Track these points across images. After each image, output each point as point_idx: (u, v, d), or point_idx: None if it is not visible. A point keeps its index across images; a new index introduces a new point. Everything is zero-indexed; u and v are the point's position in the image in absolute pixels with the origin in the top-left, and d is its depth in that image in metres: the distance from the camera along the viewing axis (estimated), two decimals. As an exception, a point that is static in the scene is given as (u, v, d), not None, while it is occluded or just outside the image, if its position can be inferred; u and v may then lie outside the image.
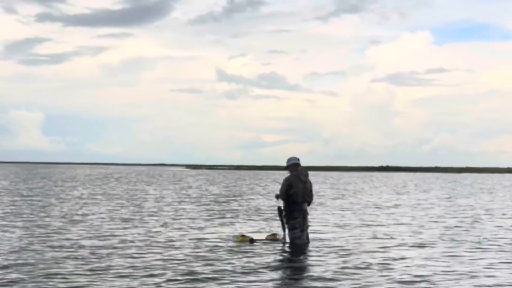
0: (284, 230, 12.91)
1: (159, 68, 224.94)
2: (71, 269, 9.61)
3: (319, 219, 18.36)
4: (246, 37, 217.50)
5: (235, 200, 27.38)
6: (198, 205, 23.68)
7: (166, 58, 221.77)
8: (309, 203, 12.71)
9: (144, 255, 11.12)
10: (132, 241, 12.85)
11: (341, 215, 20.17)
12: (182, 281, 8.92)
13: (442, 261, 10.95)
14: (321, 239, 13.49)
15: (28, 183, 43.11)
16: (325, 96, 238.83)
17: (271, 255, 11.46)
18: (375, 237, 14.16)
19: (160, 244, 12.49)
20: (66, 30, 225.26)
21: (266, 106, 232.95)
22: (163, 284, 8.72)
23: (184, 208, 21.98)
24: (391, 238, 14.11)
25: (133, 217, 18.26)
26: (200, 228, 15.57)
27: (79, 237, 13.34)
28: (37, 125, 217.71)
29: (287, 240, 12.65)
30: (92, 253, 11.15)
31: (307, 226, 12.77)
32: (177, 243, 12.70)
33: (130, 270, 9.61)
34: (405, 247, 12.72)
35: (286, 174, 12.75)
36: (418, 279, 9.36)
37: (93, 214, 19.00)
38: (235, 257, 11.06)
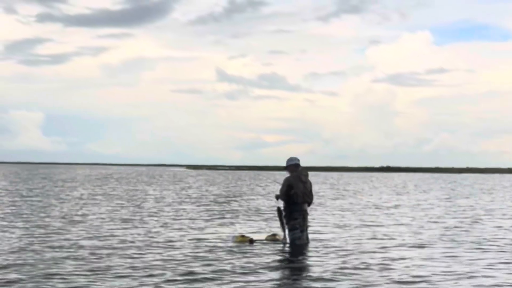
0: (283, 231, 12.92)
1: (159, 68, 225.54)
2: (71, 269, 9.62)
3: (319, 219, 18.36)
4: (246, 38, 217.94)
5: (235, 201, 27.38)
6: (198, 206, 23.68)
7: (166, 59, 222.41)
8: (309, 203, 12.70)
9: (144, 255, 11.12)
10: (132, 242, 12.85)
11: (341, 215, 20.17)
12: (182, 281, 8.93)
13: (442, 262, 10.95)
14: (320, 240, 13.49)
15: (28, 184, 43.12)
16: (325, 96, 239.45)
17: (271, 255, 11.46)
18: (374, 238, 14.17)
19: (160, 245, 12.49)
20: (67, 30, 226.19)
21: (267, 106, 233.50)
22: (162, 285, 8.72)
23: (184, 209, 21.98)
24: (391, 238, 14.11)
25: (133, 217, 18.27)
26: (200, 229, 15.57)
27: (79, 238, 13.35)
28: (37, 125, 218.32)
29: (287, 240, 12.65)
30: (92, 254, 11.16)
31: (307, 227, 12.77)
32: (177, 244, 12.70)
33: (130, 271, 9.61)
34: (405, 247, 12.73)
35: (286, 174, 12.74)
36: (418, 279, 9.36)
37: (93, 214, 19.01)
38: (235, 257, 11.06)
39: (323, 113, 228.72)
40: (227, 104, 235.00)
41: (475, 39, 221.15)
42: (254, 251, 11.86)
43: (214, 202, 26.26)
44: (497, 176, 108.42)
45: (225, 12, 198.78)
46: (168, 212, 20.50)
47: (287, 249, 12.27)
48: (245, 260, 10.79)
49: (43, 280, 8.87)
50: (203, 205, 24.22)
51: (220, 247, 12.32)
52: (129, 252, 11.44)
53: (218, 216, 19.13)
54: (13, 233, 14.03)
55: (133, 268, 9.83)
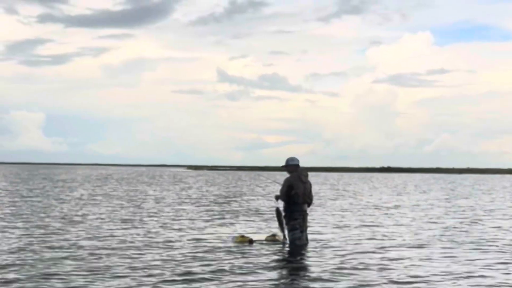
0: (282, 231, 12.93)
1: (160, 69, 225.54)
2: (70, 270, 9.63)
3: (319, 219, 18.37)
4: (247, 38, 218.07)
5: (235, 201, 27.39)
6: (198, 206, 23.69)
7: (167, 59, 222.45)
8: (309, 204, 12.69)
9: (143, 255, 11.13)
10: (131, 242, 12.86)
11: (341, 216, 20.18)
12: (180, 282, 8.94)
13: (441, 262, 10.96)
14: (320, 240, 13.50)
15: (28, 184, 43.15)
16: (326, 97, 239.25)
17: (270, 255, 11.47)
18: (374, 238, 14.17)
19: (159, 245, 12.50)
20: (68, 31, 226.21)
21: (268, 107, 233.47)
22: (161, 285, 8.72)
23: (184, 209, 21.99)
24: (390, 238, 14.12)
25: (132, 218, 18.28)
26: (200, 229, 15.58)
27: (78, 238, 13.36)
28: (38, 125, 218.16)
29: (287, 240, 12.65)
30: (91, 254, 11.17)
31: (306, 227, 12.78)
32: (176, 244, 12.71)
33: (129, 271, 9.62)
34: (404, 247, 12.73)
35: (286, 175, 12.72)
36: (417, 279, 9.37)
37: (93, 214, 19.02)
38: (234, 257, 11.07)
39: (324, 114, 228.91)
40: (228, 105, 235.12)
41: (475, 39, 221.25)
42: (254, 251, 11.87)
43: (214, 202, 26.27)
44: (497, 176, 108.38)
45: (226, 13, 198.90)
46: (168, 212, 20.51)
47: (286, 249, 12.27)
48: (244, 260, 10.80)
49: (42, 280, 8.88)
50: (203, 205, 24.24)
51: (220, 247, 12.33)
52: (128, 252, 11.45)
53: (218, 217, 19.14)
54: (12, 233, 14.05)
55: (132, 268, 9.84)
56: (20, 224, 15.91)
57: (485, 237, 14.70)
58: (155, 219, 18.01)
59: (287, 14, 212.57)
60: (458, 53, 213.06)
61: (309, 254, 11.67)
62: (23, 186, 39.95)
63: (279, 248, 12.34)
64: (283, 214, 12.63)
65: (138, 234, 14.18)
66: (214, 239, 13.59)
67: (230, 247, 12.35)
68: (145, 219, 17.95)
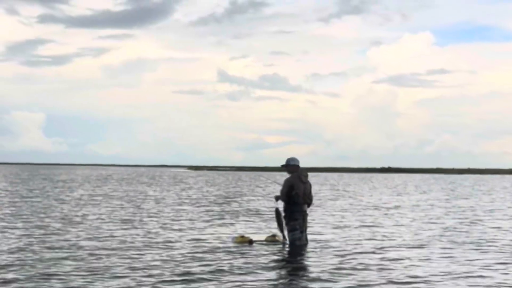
0: (281, 232, 12.93)
1: (161, 69, 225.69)
2: (69, 270, 9.63)
3: (318, 220, 18.38)
4: (247, 38, 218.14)
5: (235, 201, 27.40)
6: (198, 206, 23.70)
7: (167, 60, 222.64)
8: (309, 204, 12.69)
9: (143, 256, 11.14)
10: (131, 242, 12.87)
11: (341, 216, 20.18)
12: (179, 282, 8.94)
13: (440, 262, 10.96)
14: (319, 240, 13.50)
15: (28, 184, 43.16)
16: (327, 97, 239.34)
17: (269, 256, 11.48)
18: (373, 238, 14.18)
19: (159, 245, 12.51)
20: (68, 31, 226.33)
21: (268, 107, 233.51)
22: (160, 285, 8.73)
23: (184, 209, 22.00)
24: (390, 239, 14.12)
25: (132, 218, 18.29)
26: (200, 229, 15.59)
27: (78, 238, 13.37)
28: (38, 126, 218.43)
29: (287, 240, 12.64)
30: (91, 254, 11.17)
31: (306, 228, 12.77)
32: (176, 244, 12.72)
33: (128, 271, 9.63)
34: (404, 248, 12.74)
35: (286, 175, 12.71)
36: (416, 279, 9.37)
37: (93, 215, 19.03)
38: (234, 257, 11.08)
39: (325, 114, 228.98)
40: (228, 105, 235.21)
41: (476, 40, 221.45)
42: (253, 251, 11.88)
43: (214, 203, 26.28)
44: (498, 177, 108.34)
45: (226, 13, 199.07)
46: (168, 213, 20.52)
47: (286, 249, 12.28)
48: (243, 260, 10.81)
49: (41, 280, 8.89)
50: (203, 205, 24.24)
51: (219, 247, 12.34)
52: (128, 252, 11.46)
53: (218, 217, 19.15)
54: (12, 233, 14.05)
55: (132, 268, 9.84)
56: (20, 225, 15.91)
57: (485, 237, 14.70)
58: (155, 219, 18.02)
59: (287, 14, 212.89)
60: (459, 54, 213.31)
61: (308, 255, 11.68)
62: (23, 186, 39.96)
63: (278, 249, 12.35)
64: (283, 214, 12.62)
65: (138, 235, 14.19)
66: (214, 239, 13.59)
67: (229, 247, 12.36)
68: (145, 219, 17.96)
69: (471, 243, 13.59)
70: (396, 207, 25.25)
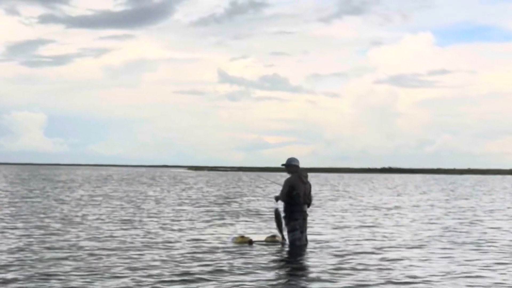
0: (280, 232, 12.92)
1: (161, 69, 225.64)
2: (69, 270, 9.64)
3: (319, 220, 18.38)
4: (248, 39, 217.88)
5: (235, 202, 27.40)
6: (198, 207, 23.70)
7: (168, 60, 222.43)
8: (308, 205, 12.69)
9: (143, 256, 11.14)
10: (131, 242, 12.87)
11: (341, 216, 20.18)
12: (179, 282, 8.95)
13: (440, 262, 10.97)
14: (319, 241, 13.51)
15: (28, 185, 43.17)
16: (327, 97, 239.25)
17: (269, 256, 11.49)
18: (373, 238, 14.18)
19: (159, 245, 12.51)
20: (69, 31, 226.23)
21: (268, 107, 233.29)
22: (159, 285, 8.74)
23: (184, 210, 22.01)
24: (390, 239, 14.13)
25: (132, 218, 18.29)
26: (200, 229, 15.59)
27: (78, 239, 13.37)
28: (39, 126, 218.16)
29: (287, 241, 12.64)
30: (91, 254, 11.18)
31: (306, 228, 12.77)
32: (176, 244, 12.72)
33: (128, 271, 9.64)
34: (403, 248, 12.74)
35: (287, 175, 12.70)
36: (415, 279, 9.38)
37: (93, 215, 19.04)
38: (233, 258, 11.08)
39: (325, 114, 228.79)
40: (228, 105, 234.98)
41: (477, 40, 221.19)
42: (253, 252, 11.88)
43: (214, 203, 26.28)
44: (498, 177, 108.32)
45: (226, 14, 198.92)
46: (168, 213, 20.53)
47: (285, 250, 12.28)
48: (243, 260, 10.81)
49: (41, 280, 8.89)
50: (203, 206, 24.25)
51: (219, 247, 12.34)
52: (128, 253, 11.46)
53: (217, 217, 19.15)
54: (12, 234, 14.06)
55: (132, 268, 9.85)
56: (19, 225, 15.92)
57: (485, 237, 14.70)
58: (155, 219, 18.02)
59: (288, 15, 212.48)
60: (459, 54, 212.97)
61: (308, 255, 11.68)
62: (23, 186, 39.97)
63: (278, 249, 12.35)
64: (283, 215, 12.62)
65: (137, 235, 14.19)
66: (213, 239, 13.60)
67: (229, 247, 12.36)
68: (145, 219, 17.96)
69: (471, 243, 13.59)
70: (396, 207, 25.25)
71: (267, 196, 32.17)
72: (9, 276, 9.15)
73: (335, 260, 10.96)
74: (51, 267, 9.83)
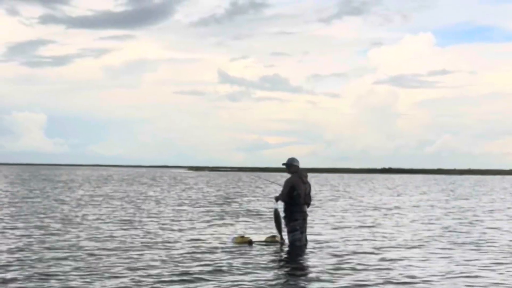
0: (280, 233, 12.92)
1: (162, 70, 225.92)
2: (69, 270, 9.65)
3: (318, 220, 18.39)
4: (248, 39, 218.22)
5: (235, 202, 27.41)
6: (198, 207, 23.71)
7: (168, 60, 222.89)
8: (308, 205, 12.70)
9: (142, 256, 11.15)
10: (131, 243, 12.88)
11: (341, 216, 20.19)
12: (178, 282, 8.96)
13: (439, 262, 10.98)
14: (319, 241, 13.51)
15: (29, 185, 43.18)
16: (327, 98, 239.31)
17: (269, 256, 11.50)
18: (373, 239, 14.19)
19: (159, 246, 12.52)
20: (69, 32, 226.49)
21: (269, 108, 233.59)
22: (158, 285, 8.74)
23: (184, 210, 22.02)
24: (389, 239, 14.13)
25: (132, 218, 18.30)
26: (200, 230, 15.60)
27: (78, 239, 13.38)
28: (40, 126, 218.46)
29: (286, 241, 12.64)
30: (90, 254, 11.19)
31: (305, 228, 12.77)
32: (176, 245, 12.73)
33: (127, 271, 9.65)
34: (403, 248, 12.75)
35: (287, 175, 12.70)
36: (415, 280, 9.39)
37: (93, 215, 19.05)
38: (233, 258, 11.09)
39: (325, 115, 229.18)
40: (229, 106, 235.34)
41: (477, 40, 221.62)
42: (253, 252, 11.90)
43: (214, 203, 26.29)
44: (499, 177, 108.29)
45: (227, 14, 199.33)
46: (168, 213, 20.54)
47: (285, 250, 12.29)
48: (242, 260, 10.82)
49: (40, 280, 8.91)
50: (203, 206, 24.26)
51: (219, 248, 12.35)
52: (127, 253, 11.47)
53: (218, 217, 19.16)
54: (12, 234, 14.07)
55: (131, 268, 9.86)
56: (19, 225, 15.93)
57: (484, 238, 14.71)
58: (155, 220, 18.03)
59: (288, 15, 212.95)
60: (460, 54, 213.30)
61: (308, 255, 11.68)
62: (24, 187, 39.98)
63: (278, 249, 12.36)
64: (283, 215, 12.61)
65: (137, 235, 14.20)
66: (213, 240, 13.61)
67: (229, 247, 12.38)
68: (145, 220, 17.97)
69: (470, 243, 13.60)
70: (396, 207, 25.26)
71: (267, 197, 32.17)
72: (9, 276, 9.16)
73: (335, 260, 10.98)
74: (50, 267, 9.85)
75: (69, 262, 10.33)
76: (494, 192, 43.44)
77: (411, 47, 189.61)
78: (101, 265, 10.14)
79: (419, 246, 13.01)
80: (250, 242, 12.91)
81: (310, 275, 9.66)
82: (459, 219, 19.85)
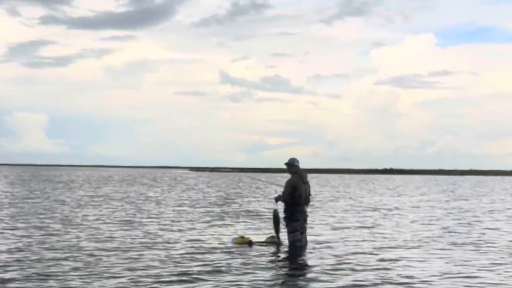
0: (277, 234, 12.89)
1: (163, 70, 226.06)
2: (68, 270, 9.66)
3: (318, 221, 18.40)
4: (249, 40, 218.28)
5: (235, 202, 27.42)
6: (198, 207, 23.72)
7: (169, 61, 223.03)
8: (307, 205, 12.71)
9: (142, 256, 11.16)
10: (130, 243, 12.90)
11: (341, 217, 20.20)
12: (177, 282, 8.97)
13: (439, 263, 10.98)
14: (319, 241, 13.52)
15: (29, 185, 43.20)
16: (328, 98, 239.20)
17: (268, 256, 11.51)
18: (373, 239, 14.19)
19: (158, 246, 12.54)
20: (70, 32, 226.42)
21: (270, 108, 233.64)
22: (158, 285, 8.75)
23: (184, 210, 22.03)
24: (389, 240, 14.14)
25: (132, 219, 18.32)
26: (200, 230, 15.61)
27: (78, 239, 13.40)
28: (41, 127, 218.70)
29: (285, 242, 12.64)
30: (90, 255, 11.20)
31: (305, 229, 12.78)
32: (176, 245, 12.74)
33: (127, 271, 9.66)
34: (403, 248, 12.75)
35: (288, 176, 12.70)
36: (414, 280, 9.39)
37: (93, 216, 19.06)
38: (233, 258, 11.10)
39: (326, 116, 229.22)
40: (230, 106, 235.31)
41: (478, 41, 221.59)
42: (252, 252, 11.91)
43: (214, 203, 26.30)
44: (500, 178, 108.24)
45: (228, 15, 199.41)
46: (168, 213, 20.55)
47: (285, 250, 12.30)
48: (242, 261, 10.83)
49: (39, 280, 8.92)
50: (203, 206, 24.27)
51: (219, 248, 12.37)
52: (127, 253, 11.48)
53: (218, 218, 19.17)
54: (12, 234, 14.08)
55: (131, 269, 9.87)
56: (19, 225, 15.94)
57: (484, 238, 14.72)
58: (155, 220, 18.04)
59: (289, 16, 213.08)
60: (461, 55, 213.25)
61: (307, 255, 11.69)
62: (24, 187, 40.00)
63: (277, 250, 12.37)
64: (283, 216, 12.60)
65: (137, 236, 14.21)
66: (213, 240, 13.62)
67: (229, 248, 12.38)
68: (145, 220, 17.98)
69: (470, 244, 13.60)
70: (396, 208, 25.26)
71: (267, 197, 32.18)
72: (7, 276, 9.17)
73: (334, 261, 10.98)
74: (50, 268, 9.86)
75: (68, 263, 10.34)
76: (494, 193, 43.44)
77: (412, 48, 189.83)
78: (100, 265, 10.15)
79: (419, 247, 13.01)
80: (250, 243, 12.91)
81: (310, 275, 9.67)
82: (459, 219, 19.85)
